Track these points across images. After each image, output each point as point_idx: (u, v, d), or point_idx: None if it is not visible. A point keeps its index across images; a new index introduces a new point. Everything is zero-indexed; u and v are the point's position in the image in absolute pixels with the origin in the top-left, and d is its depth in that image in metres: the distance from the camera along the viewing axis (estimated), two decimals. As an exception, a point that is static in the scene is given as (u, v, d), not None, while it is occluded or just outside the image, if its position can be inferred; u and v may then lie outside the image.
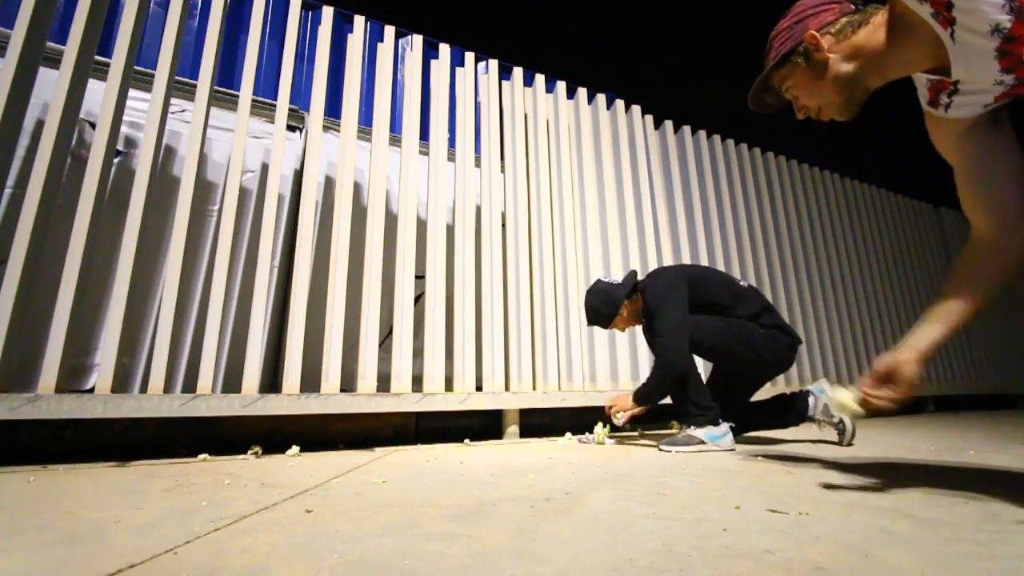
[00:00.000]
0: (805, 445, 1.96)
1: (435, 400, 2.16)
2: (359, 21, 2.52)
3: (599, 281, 2.13)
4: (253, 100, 2.44)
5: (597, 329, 2.68)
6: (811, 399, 2.01)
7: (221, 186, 2.32)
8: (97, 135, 1.82)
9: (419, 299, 2.64)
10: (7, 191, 1.92)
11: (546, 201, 2.84)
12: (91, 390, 1.68)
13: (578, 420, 2.52)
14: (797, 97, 1.09)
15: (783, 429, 2.21)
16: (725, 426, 1.89)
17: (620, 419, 1.98)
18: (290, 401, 1.89)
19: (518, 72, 3.00)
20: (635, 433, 2.53)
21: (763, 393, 2.20)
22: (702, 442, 1.83)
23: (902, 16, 0.88)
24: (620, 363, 2.67)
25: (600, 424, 2.14)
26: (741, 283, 2.09)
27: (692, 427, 1.87)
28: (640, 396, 1.95)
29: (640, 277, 2.20)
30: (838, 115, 1.08)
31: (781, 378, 3.30)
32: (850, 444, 1.91)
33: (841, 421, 1.93)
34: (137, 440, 1.82)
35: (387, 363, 2.27)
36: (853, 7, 0.99)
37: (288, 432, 1.99)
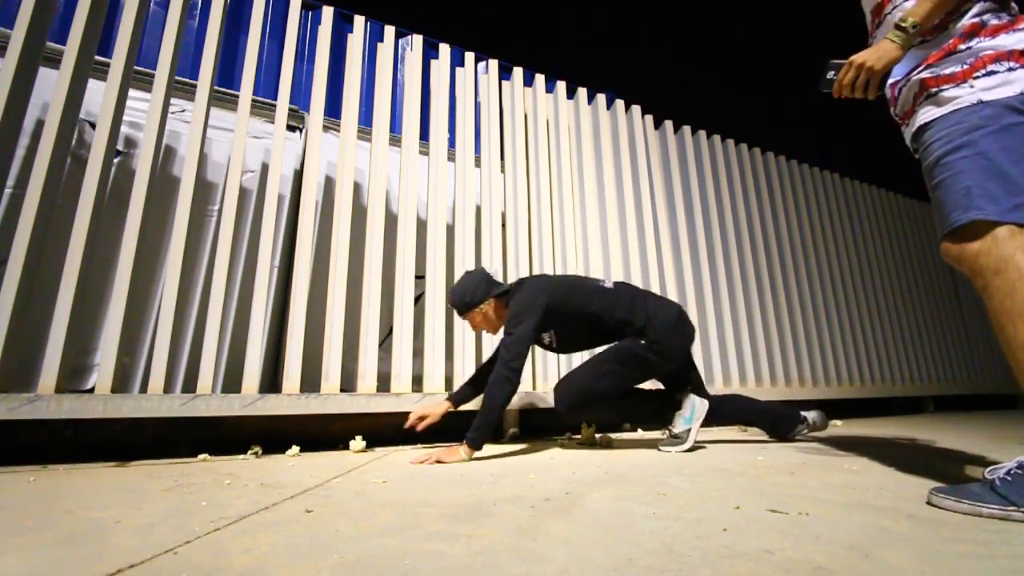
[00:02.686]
0: (805, 445, 1.96)
1: (435, 400, 2.15)
2: (359, 21, 2.52)
3: (483, 270, 1.98)
4: (253, 100, 2.44)
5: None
6: (803, 426, 2.07)
7: (221, 186, 2.33)
8: (97, 135, 1.82)
9: (419, 299, 2.64)
10: (7, 191, 1.92)
11: (546, 201, 2.84)
12: (91, 390, 1.68)
13: (578, 420, 2.51)
14: None
15: (774, 436, 2.13)
16: (687, 403, 1.90)
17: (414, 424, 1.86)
18: (290, 401, 1.89)
19: (518, 72, 3.00)
20: (635, 433, 2.53)
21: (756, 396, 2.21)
22: (687, 430, 1.85)
23: None
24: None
25: (585, 424, 2.15)
26: (606, 285, 1.96)
27: (670, 427, 1.89)
28: (475, 439, 1.66)
29: (629, 279, 2.17)
30: None
31: (795, 382, 3.30)
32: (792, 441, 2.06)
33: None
34: (137, 440, 1.82)
35: (387, 363, 2.27)
36: None
37: (288, 432, 1.99)
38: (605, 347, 1.93)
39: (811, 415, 2.10)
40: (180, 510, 0.99)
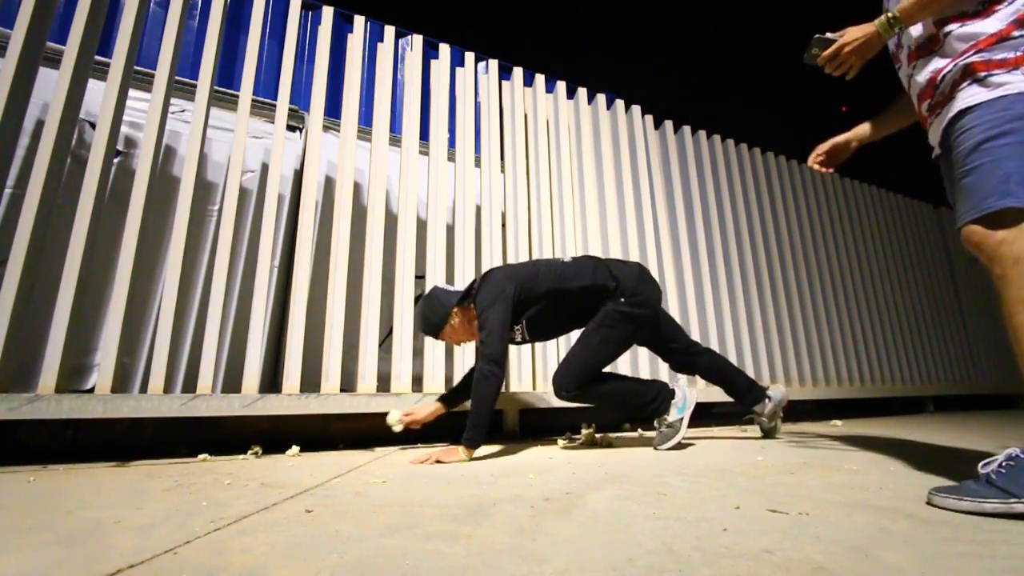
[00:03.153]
0: (805, 445, 1.96)
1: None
2: (359, 21, 2.52)
3: (435, 287, 1.94)
4: (253, 100, 2.44)
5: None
6: (768, 401, 2.09)
7: (221, 186, 2.32)
8: (97, 135, 1.82)
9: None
10: (7, 191, 1.92)
11: (546, 201, 2.84)
12: (91, 390, 1.68)
13: (578, 420, 2.52)
14: None
15: (730, 399, 2.22)
16: (678, 389, 1.92)
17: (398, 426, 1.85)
18: (290, 401, 1.89)
19: (518, 72, 3.00)
20: (635, 434, 2.53)
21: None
22: (680, 419, 1.87)
23: None
24: (620, 363, 2.67)
25: (584, 424, 2.15)
26: (566, 260, 1.94)
27: (663, 414, 1.89)
28: (470, 439, 1.67)
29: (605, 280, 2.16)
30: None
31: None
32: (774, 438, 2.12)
33: (775, 426, 2.14)
34: (137, 440, 1.82)
35: (387, 363, 2.27)
36: None
37: (288, 432, 1.99)
38: (588, 324, 1.90)
39: (775, 393, 2.13)
40: (180, 510, 0.99)
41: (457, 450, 1.67)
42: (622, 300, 1.83)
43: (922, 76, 1.18)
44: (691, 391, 1.93)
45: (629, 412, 1.96)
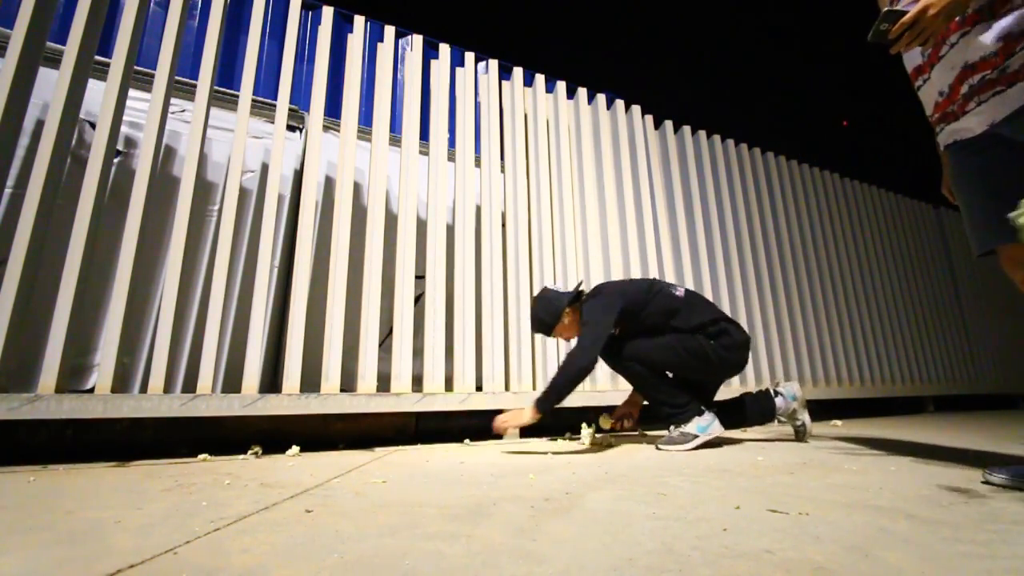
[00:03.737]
0: (805, 445, 1.96)
1: (435, 400, 2.15)
2: (359, 21, 2.52)
3: (546, 288, 2.08)
4: (253, 100, 2.44)
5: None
6: (780, 400, 2.06)
7: (221, 186, 2.32)
8: (97, 135, 1.82)
9: (419, 299, 2.64)
10: (7, 191, 1.92)
11: (546, 201, 2.84)
12: (91, 390, 1.68)
13: (578, 420, 2.51)
14: None
15: (746, 427, 2.18)
16: (708, 415, 1.92)
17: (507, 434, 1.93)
18: (290, 401, 1.89)
19: (518, 72, 3.00)
20: (635, 433, 2.53)
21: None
22: (695, 435, 1.87)
23: None
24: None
25: (585, 425, 2.15)
26: (677, 292, 2.03)
27: (681, 424, 1.89)
28: (543, 401, 1.82)
29: (584, 287, 2.22)
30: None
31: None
32: (805, 441, 2.04)
33: (803, 424, 2.05)
34: (137, 440, 1.82)
35: (387, 363, 2.27)
36: None
37: (288, 432, 1.99)
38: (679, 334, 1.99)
39: (786, 391, 2.10)
40: (180, 510, 0.99)
41: (523, 410, 1.83)
42: (712, 343, 1.93)
43: (986, 44, 1.00)
44: (719, 425, 1.93)
45: (655, 405, 1.97)
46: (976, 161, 1.12)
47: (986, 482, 1.04)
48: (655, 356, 1.94)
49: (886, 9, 1.04)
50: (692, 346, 1.92)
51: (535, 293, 2.10)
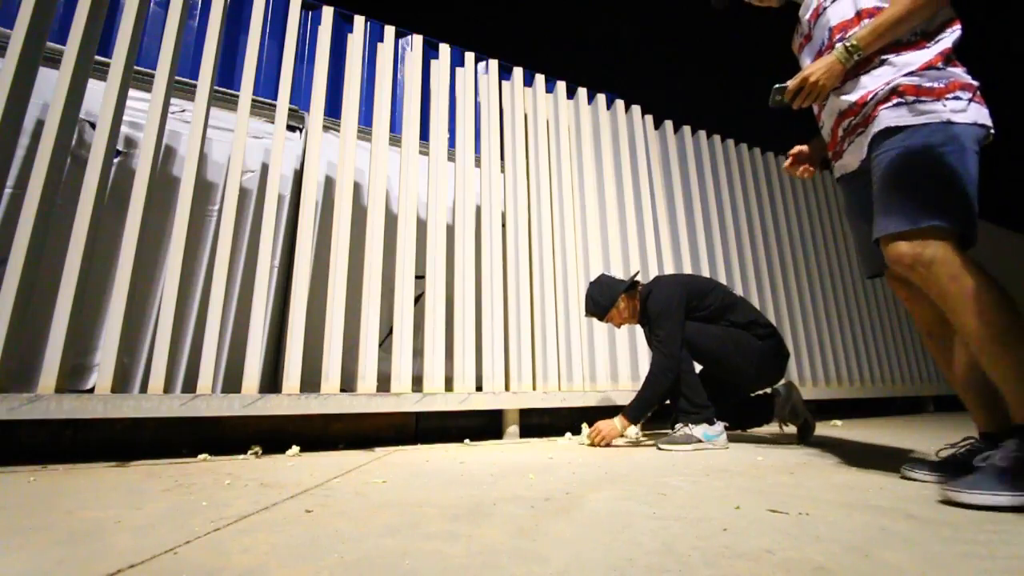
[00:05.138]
0: (806, 446, 1.96)
1: (435, 400, 2.15)
2: (359, 21, 2.52)
3: (603, 275, 2.20)
4: (253, 100, 2.44)
5: (597, 329, 2.68)
6: (778, 399, 2.08)
7: (221, 186, 2.32)
8: (97, 135, 1.82)
9: (419, 299, 2.64)
10: (7, 191, 1.92)
11: (546, 201, 2.84)
12: (91, 390, 1.68)
13: (578, 420, 2.52)
14: None
15: (750, 428, 2.27)
16: (720, 425, 1.92)
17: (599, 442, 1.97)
18: (290, 401, 1.89)
19: (518, 72, 3.00)
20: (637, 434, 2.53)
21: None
22: (699, 440, 1.87)
23: None
24: (620, 363, 2.67)
25: (585, 425, 2.15)
26: (735, 293, 2.14)
27: (689, 425, 1.89)
28: (635, 411, 1.93)
29: (639, 278, 2.24)
30: (774, 2, 1.49)
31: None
32: (808, 441, 2.03)
33: (806, 420, 2.04)
34: (137, 440, 1.82)
35: (387, 363, 2.27)
36: None
37: (288, 432, 1.99)
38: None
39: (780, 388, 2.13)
40: (180, 510, 0.99)
41: (614, 422, 1.92)
42: (759, 342, 2.00)
43: (851, 96, 1.27)
44: (725, 440, 1.93)
45: (673, 396, 1.99)
46: (855, 193, 1.35)
47: (904, 477, 1.10)
48: (700, 340, 1.98)
49: (775, 86, 1.33)
50: (741, 340, 1.97)
51: (590, 281, 2.27)
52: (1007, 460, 0.95)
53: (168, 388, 1.78)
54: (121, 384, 1.75)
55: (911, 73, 1.17)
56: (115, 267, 1.79)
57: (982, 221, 5.50)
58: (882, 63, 1.22)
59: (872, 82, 1.23)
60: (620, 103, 3.22)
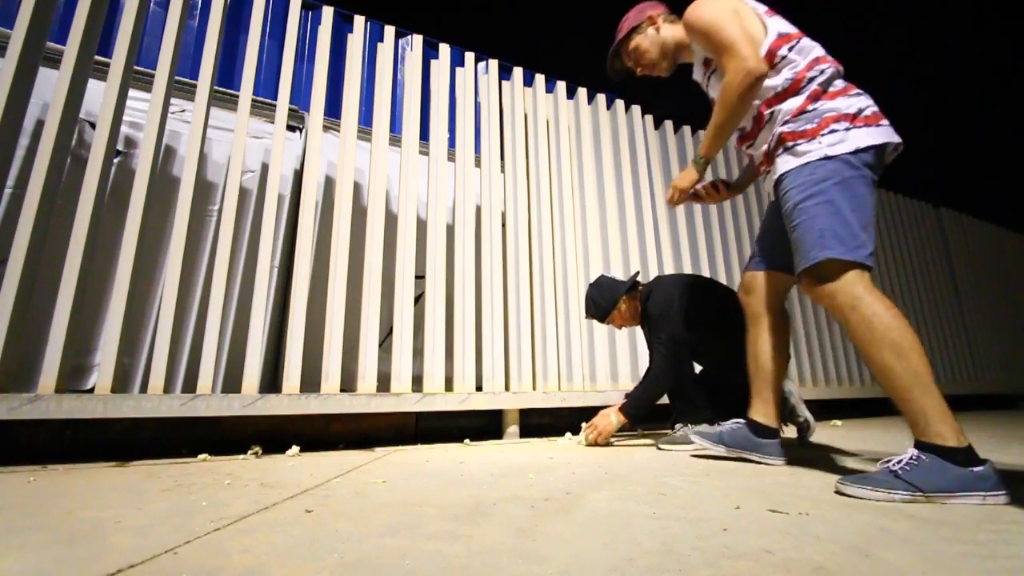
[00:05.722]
0: (805, 446, 1.96)
1: (435, 400, 2.15)
2: (359, 21, 2.52)
3: (602, 276, 2.19)
4: (253, 100, 2.44)
5: (597, 329, 2.68)
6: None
7: (221, 186, 2.32)
8: (97, 135, 1.82)
9: (419, 299, 2.64)
10: (7, 191, 1.92)
11: (546, 201, 2.84)
12: (91, 390, 1.68)
13: (578, 420, 2.52)
14: (639, 57, 1.64)
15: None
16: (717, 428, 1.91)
17: (593, 440, 1.97)
18: (290, 401, 1.89)
19: (518, 72, 3.00)
20: (635, 432, 2.53)
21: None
22: (695, 444, 1.86)
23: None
24: (620, 363, 2.67)
25: (584, 424, 2.15)
26: (736, 293, 2.10)
27: (689, 425, 1.90)
28: (633, 409, 1.93)
29: (640, 279, 2.23)
30: (663, 72, 1.69)
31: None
32: (808, 442, 2.00)
33: (806, 420, 2.02)
34: (137, 440, 1.82)
35: (387, 363, 2.27)
36: (669, 9, 1.62)
37: (288, 432, 1.99)
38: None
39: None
40: (180, 510, 0.99)
41: (610, 416, 1.93)
42: None
43: (758, 151, 1.46)
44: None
45: (672, 397, 1.99)
46: (773, 213, 1.56)
47: (839, 492, 1.08)
48: (700, 340, 1.97)
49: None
50: (740, 338, 1.94)
51: (590, 281, 2.28)
52: (898, 466, 1.06)
53: (168, 388, 1.78)
54: (121, 384, 1.75)
55: (787, 121, 1.30)
56: (115, 267, 1.79)
57: (982, 221, 5.51)
58: (771, 116, 1.35)
59: (767, 135, 1.39)
60: (620, 103, 3.22)
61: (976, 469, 1.02)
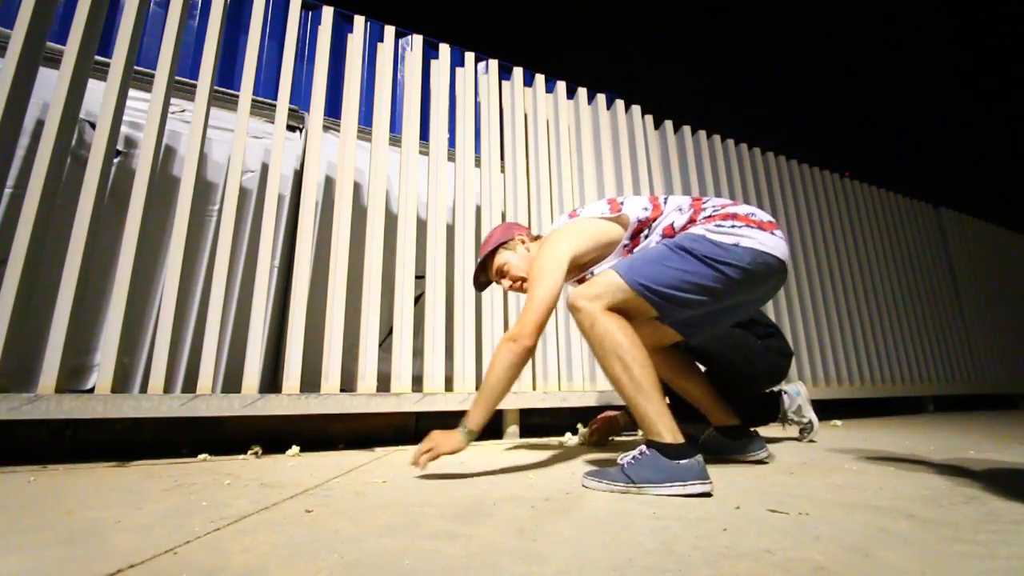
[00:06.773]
0: (805, 445, 1.96)
1: (435, 400, 2.15)
2: (359, 21, 2.52)
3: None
4: (253, 100, 2.44)
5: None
6: (785, 398, 2.05)
7: (221, 186, 2.32)
8: (97, 135, 1.82)
9: (419, 299, 2.64)
10: (7, 191, 1.92)
11: (546, 201, 2.83)
12: (91, 390, 1.68)
13: (578, 420, 2.52)
14: (505, 273, 1.65)
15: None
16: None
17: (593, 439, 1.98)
18: (290, 401, 1.89)
19: (518, 72, 3.00)
20: (635, 432, 2.53)
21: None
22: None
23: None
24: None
25: (581, 425, 2.15)
26: None
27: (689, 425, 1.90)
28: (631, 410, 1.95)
29: None
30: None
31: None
32: (811, 441, 2.01)
33: (810, 421, 2.03)
34: (137, 440, 1.82)
35: (387, 363, 2.27)
36: (530, 232, 1.73)
37: (288, 432, 1.99)
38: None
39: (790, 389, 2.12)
40: (180, 510, 0.99)
41: (618, 416, 2.06)
42: (759, 341, 2.00)
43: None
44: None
45: (671, 397, 2.00)
46: None
47: (585, 486, 1.19)
48: (700, 340, 1.93)
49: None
50: (741, 340, 1.95)
51: None
52: (625, 460, 1.18)
53: (168, 388, 1.78)
54: (121, 384, 1.75)
55: (631, 248, 1.50)
56: (115, 267, 1.79)
57: (982, 220, 5.51)
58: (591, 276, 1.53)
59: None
60: (620, 103, 3.22)
61: (683, 462, 1.12)
